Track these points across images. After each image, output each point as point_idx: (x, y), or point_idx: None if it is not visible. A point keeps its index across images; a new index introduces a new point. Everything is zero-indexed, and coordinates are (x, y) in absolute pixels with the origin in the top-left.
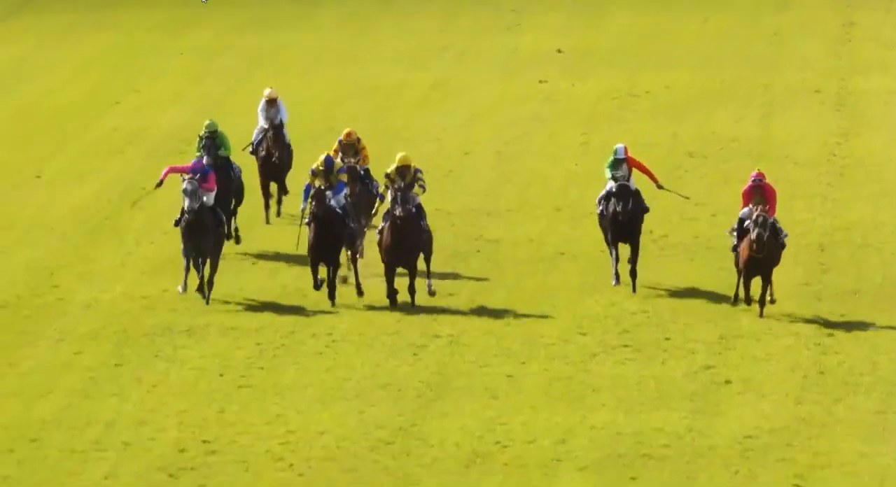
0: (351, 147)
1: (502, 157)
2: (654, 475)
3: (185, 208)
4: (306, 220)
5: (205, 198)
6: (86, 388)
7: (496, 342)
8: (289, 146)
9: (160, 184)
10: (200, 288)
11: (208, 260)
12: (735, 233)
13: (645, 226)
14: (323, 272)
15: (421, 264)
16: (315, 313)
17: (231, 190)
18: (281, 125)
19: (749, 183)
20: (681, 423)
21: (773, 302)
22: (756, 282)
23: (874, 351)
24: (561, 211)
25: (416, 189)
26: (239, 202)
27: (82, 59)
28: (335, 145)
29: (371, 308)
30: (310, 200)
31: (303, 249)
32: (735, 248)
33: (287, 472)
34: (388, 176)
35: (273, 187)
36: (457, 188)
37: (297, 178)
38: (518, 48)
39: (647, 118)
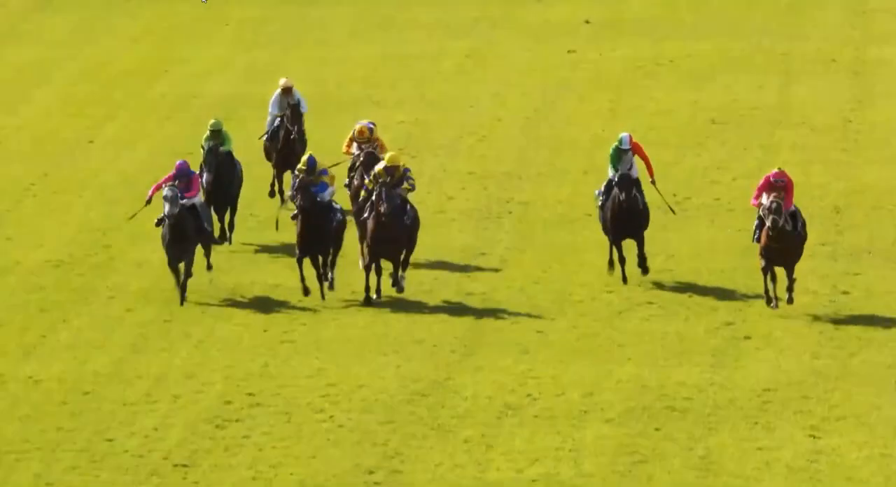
0: (364, 142)
1: (532, 123)
2: (677, 426)
3: (166, 213)
4: (292, 214)
5: (185, 202)
6: (136, 343)
7: (527, 299)
8: (303, 132)
9: (149, 201)
10: (182, 286)
11: (184, 263)
12: (756, 225)
13: (669, 189)
14: (308, 271)
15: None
16: (354, 272)
17: (234, 184)
18: (298, 104)
19: (770, 178)
20: (702, 377)
21: (790, 301)
22: (781, 275)
23: (887, 308)
24: (588, 174)
25: (406, 186)
26: (236, 195)
27: (133, 29)
28: (349, 136)
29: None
30: (293, 193)
31: (283, 236)
32: (757, 239)
33: (327, 423)
34: (375, 174)
35: (287, 181)
36: (490, 152)
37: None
38: (548, 19)
39: (670, 86)
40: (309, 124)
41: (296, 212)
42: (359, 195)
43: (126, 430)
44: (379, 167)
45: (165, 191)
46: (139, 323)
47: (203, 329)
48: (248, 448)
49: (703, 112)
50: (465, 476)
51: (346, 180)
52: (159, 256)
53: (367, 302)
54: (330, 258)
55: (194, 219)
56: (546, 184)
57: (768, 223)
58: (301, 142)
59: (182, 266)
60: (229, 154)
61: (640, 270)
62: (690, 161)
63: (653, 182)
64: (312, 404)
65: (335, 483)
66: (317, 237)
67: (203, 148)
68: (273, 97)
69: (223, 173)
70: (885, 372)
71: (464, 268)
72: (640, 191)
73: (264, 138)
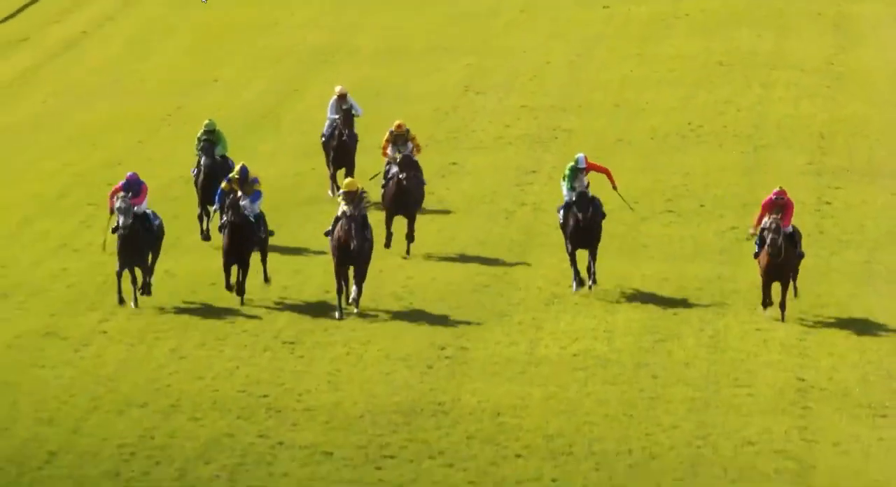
0: (401, 137)
1: (574, 66)
2: (690, 311)
3: (120, 224)
4: (219, 226)
5: (137, 210)
6: None
7: None
8: (355, 134)
9: (112, 211)
10: (143, 290)
11: (139, 268)
12: (756, 242)
13: (684, 118)
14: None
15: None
16: (429, 192)
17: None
18: (350, 109)
19: (771, 196)
20: (712, 271)
21: (794, 296)
22: (776, 288)
23: (863, 215)
24: (619, 107)
25: (363, 206)
26: None
27: None
28: (386, 135)
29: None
30: (226, 208)
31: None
32: (756, 255)
33: (407, 308)
34: (340, 197)
35: (340, 176)
36: (539, 90)
37: (364, 161)
38: None
39: (686, 35)
40: (391, 68)
41: (223, 223)
42: (400, 186)
43: (245, 313)
44: (338, 194)
45: (118, 203)
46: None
47: (303, 237)
48: (342, 329)
49: (713, 56)
50: (519, 351)
51: (383, 181)
52: (272, 173)
53: (339, 300)
54: (261, 258)
55: (143, 224)
56: (585, 115)
57: (768, 241)
58: (352, 143)
59: (137, 270)
60: (223, 156)
61: (589, 279)
62: (703, 96)
63: (615, 188)
64: (395, 293)
65: (414, 357)
66: (242, 249)
67: (197, 145)
68: (330, 102)
69: (215, 171)
70: (861, 268)
71: (519, 183)
72: (596, 208)
73: (322, 139)
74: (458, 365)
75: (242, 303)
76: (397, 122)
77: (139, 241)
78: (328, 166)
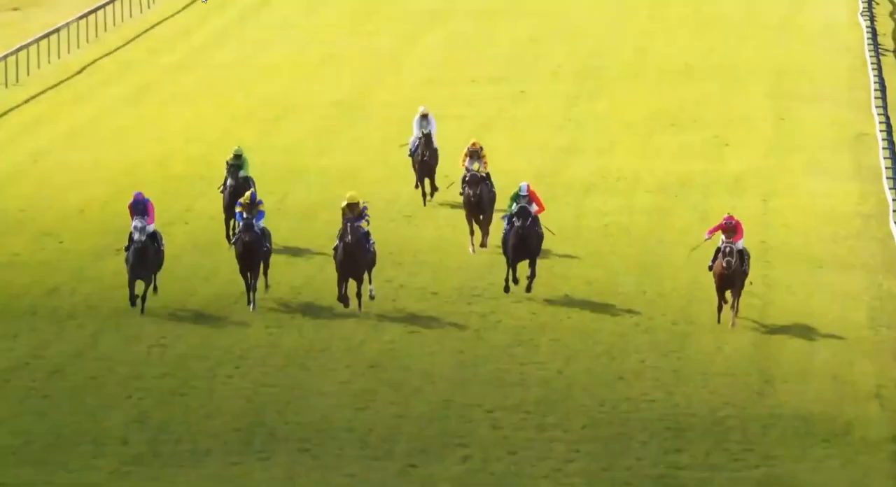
0: (476, 154)
1: (604, 23)
2: (692, 197)
3: (134, 239)
4: (233, 242)
5: (149, 228)
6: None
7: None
8: (436, 149)
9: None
10: (142, 300)
11: (144, 282)
12: (711, 259)
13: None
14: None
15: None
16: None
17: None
18: (430, 134)
19: (722, 222)
20: None
21: (733, 324)
22: (728, 294)
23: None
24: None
25: (363, 223)
26: None
27: None
28: (464, 151)
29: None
30: (241, 228)
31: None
32: (711, 268)
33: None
34: (341, 208)
35: (426, 184)
36: (578, 40)
37: (445, 171)
38: None
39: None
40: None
41: (235, 239)
42: (469, 200)
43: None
44: (343, 204)
45: (135, 222)
46: None
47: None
48: None
49: None
50: None
51: (461, 189)
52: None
53: (344, 305)
54: (262, 270)
55: (153, 242)
56: (619, 43)
57: (724, 262)
58: (433, 160)
59: (140, 284)
60: (247, 177)
61: (525, 289)
62: (706, 34)
63: (540, 212)
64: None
65: None
66: (253, 261)
67: (226, 168)
68: (415, 119)
69: (239, 190)
70: (817, 156)
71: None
72: (536, 222)
73: (407, 153)
74: None
75: (255, 310)
76: (472, 141)
77: (149, 257)
78: (416, 175)
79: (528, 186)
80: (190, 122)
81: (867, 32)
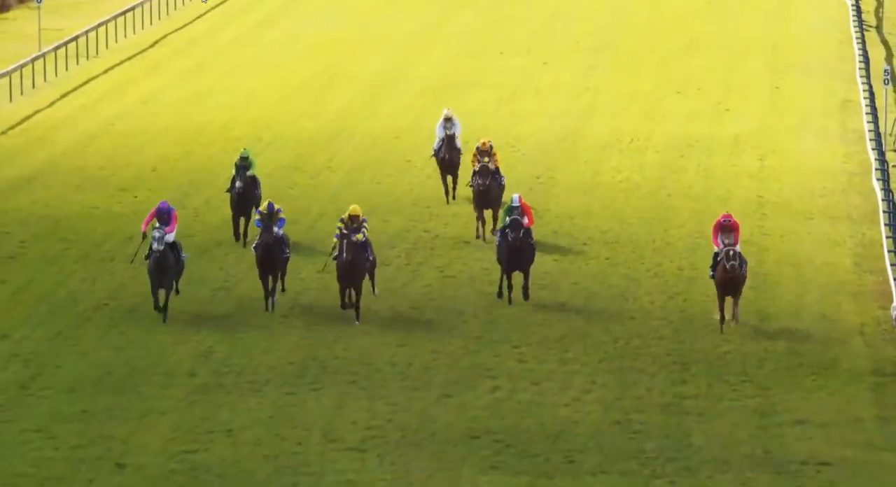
0: (485, 152)
1: (619, 3)
2: (696, 157)
3: (153, 249)
4: (254, 246)
5: (168, 238)
6: None
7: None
8: (459, 150)
9: (144, 236)
10: (164, 309)
11: (164, 290)
12: (711, 266)
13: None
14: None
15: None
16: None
17: (255, 199)
18: (454, 135)
19: (720, 220)
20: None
21: (736, 322)
22: (729, 301)
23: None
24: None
25: (359, 236)
26: (257, 205)
27: None
28: (474, 151)
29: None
30: (262, 231)
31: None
32: (712, 276)
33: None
34: (342, 220)
35: (449, 180)
36: (595, 17)
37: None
38: None
39: None
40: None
41: (256, 244)
42: (478, 190)
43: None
44: (344, 215)
45: (154, 232)
46: None
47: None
48: None
49: None
50: None
51: (470, 182)
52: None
53: (345, 308)
54: (280, 275)
55: (173, 252)
56: (631, 21)
57: (727, 266)
58: (457, 160)
59: (162, 292)
60: (253, 177)
61: (522, 297)
62: (708, 13)
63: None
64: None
65: None
66: (273, 265)
67: (235, 168)
68: (438, 122)
69: (247, 190)
70: (808, 121)
71: (586, 62)
72: (528, 234)
73: (433, 154)
74: None
75: (273, 310)
76: (482, 140)
77: (168, 266)
78: (441, 174)
79: (519, 198)
80: (249, 91)
81: (852, 10)
